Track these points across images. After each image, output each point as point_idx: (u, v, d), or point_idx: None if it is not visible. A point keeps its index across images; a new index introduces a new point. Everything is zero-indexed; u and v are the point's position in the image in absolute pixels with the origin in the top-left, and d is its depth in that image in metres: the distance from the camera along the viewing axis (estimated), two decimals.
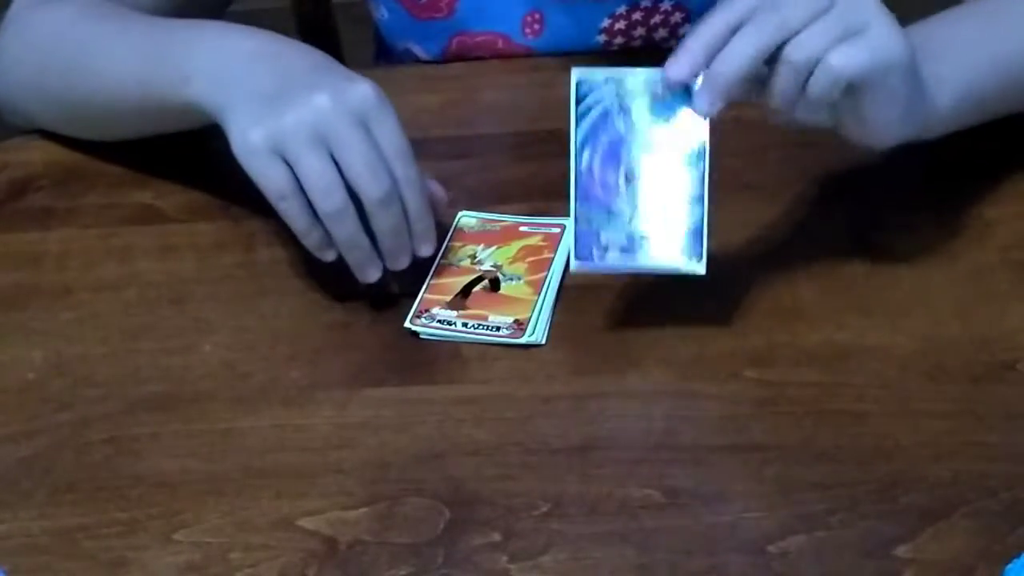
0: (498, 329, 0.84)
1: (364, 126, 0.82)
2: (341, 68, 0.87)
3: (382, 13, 1.11)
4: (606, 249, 0.80)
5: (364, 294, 0.86)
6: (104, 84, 0.94)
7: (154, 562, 0.73)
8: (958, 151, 0.93)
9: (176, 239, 0.93)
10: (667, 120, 0.80)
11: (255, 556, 0.73)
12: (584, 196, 0.80)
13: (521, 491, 0.75)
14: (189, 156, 0.98)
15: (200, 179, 0.97)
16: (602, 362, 0.82)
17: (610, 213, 0.80)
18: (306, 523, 0.75)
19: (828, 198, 0.91)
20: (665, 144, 0.80)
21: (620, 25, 1.05)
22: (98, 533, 0.75)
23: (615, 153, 0.80)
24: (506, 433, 0.79)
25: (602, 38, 1.07)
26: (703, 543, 0.72)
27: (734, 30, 0.77)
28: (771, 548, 0.72)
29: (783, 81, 0.78)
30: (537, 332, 0.83)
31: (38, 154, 1.01)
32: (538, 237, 0.90)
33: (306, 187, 0.82)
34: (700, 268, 0.79)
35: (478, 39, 1.08)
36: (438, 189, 0.88)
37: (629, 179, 0.80)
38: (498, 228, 0.91)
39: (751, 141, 0.94)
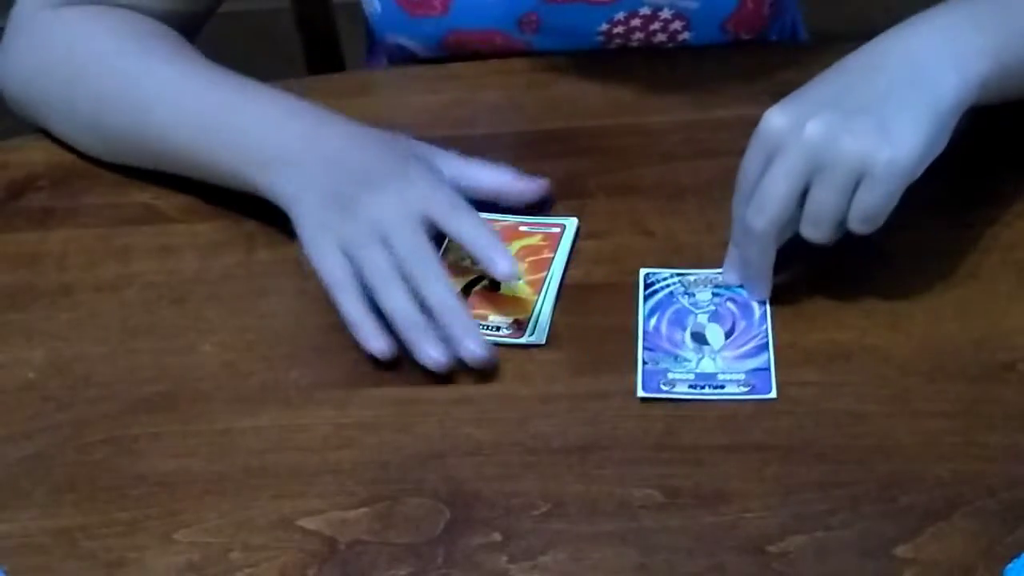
0: (498, 329, 0.83)
1: (425, 224, 0.85)
2: (412, 161, 0.89)
3: (374, 7, 1.10)
4: (673, 384, 0.80)
5: None
6: (167, 140, 0.93)
7: (154, 562, 0.74)
8: (959, 150, 0.93)
9: (176, 239, 0.93)
10: (729, 298, 0.84)
11: (255, 556, 0.73)
12: (651, 347, 0.82)
13: (521, 491, 0.75)
14: None
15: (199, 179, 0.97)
16: (602, 362, 0.82)
17: (677, 358, 0.82)
18: (306, 523, 0.75)
19: None
20: (729, 314, 0.84)
21: (618, 30, 1.05)
22: (98, 533, 0.75)
23: (681, 320, 0.84)
24: (506, 433, 0.79)
25: (600, 39, 1.06)
26: (703, 543, 0.72)
27: None
28: (771, 548, 0.72)
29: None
30: (537, 332, 0.83)
31: (38, 154, 1.01)
32: (538, 237, 0.90)
33: (370, 284, 0.83)
34: (772, 394, 0.79)
35: (474, 37, 1.08)
36: (531, 185, 0.91)
37: (696, 338, 0.83)
38: (498, 228, 0.91)
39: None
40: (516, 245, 0.89)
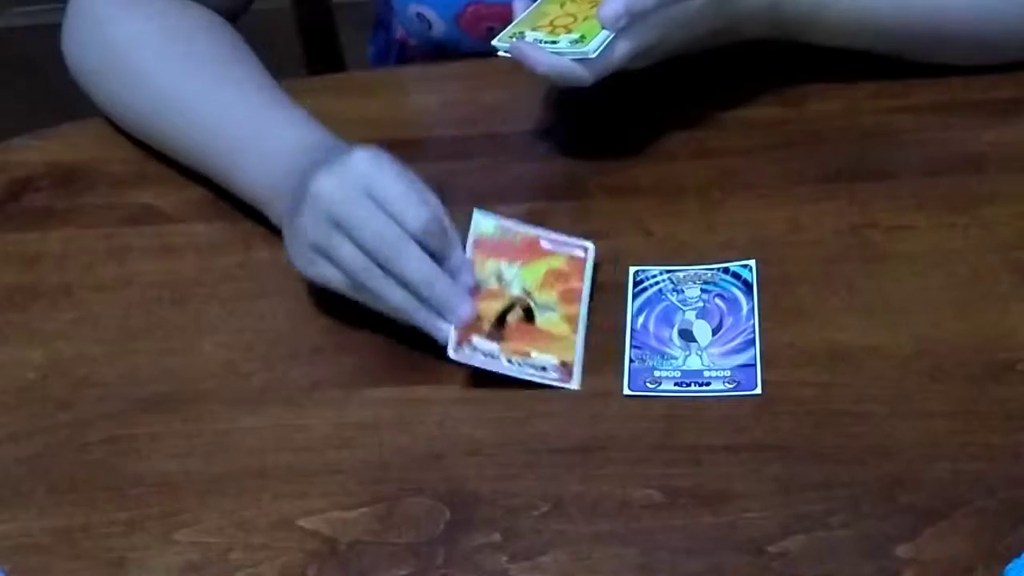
0: (544, 369, 0.82)
1: (370, 196, 0.81)
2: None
3: None
4: (659, 382, 0.80)
5: None
6: (193, 153, 0.95)
7: (154, 562, 0.74)
8: (958, 149, 0.93)
9: (176, 239, 0.93)
10: (718, 294, 0.84)
11: (255, 556, 0.73)
12: (638, 344, 0.82)
13: (521, 491, 0.75)
14: None
15: (200, 179, 0.97)
16: (602, 362, 0.82)
17: (664, 356, 0.82)
18: (306, 523, 0.75)
19: (828, 198, 0.91)
20: (717, 310, 0.83)
21: None
22: (98, 533, 0.75)
23: (668, 317, 0.84)
24: (506, 433, 0.79)
25: None
26: (703, 543, 0.72)
27: None
28: (771, 548, 0.72)
29: None
30: (577, 376, 0.82)
31: (38, 154, 1.01)
32: (562, 260, 0.87)
33: (349, 270, 0.81)
34: (757, 391, 0.80)
35: (493, 9, 1.06)
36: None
37: (683, 335, 0.83)
38: (518, 240, 0.87)
39: (751, 141, 0.94)
40: (542, 267, 0.86)
